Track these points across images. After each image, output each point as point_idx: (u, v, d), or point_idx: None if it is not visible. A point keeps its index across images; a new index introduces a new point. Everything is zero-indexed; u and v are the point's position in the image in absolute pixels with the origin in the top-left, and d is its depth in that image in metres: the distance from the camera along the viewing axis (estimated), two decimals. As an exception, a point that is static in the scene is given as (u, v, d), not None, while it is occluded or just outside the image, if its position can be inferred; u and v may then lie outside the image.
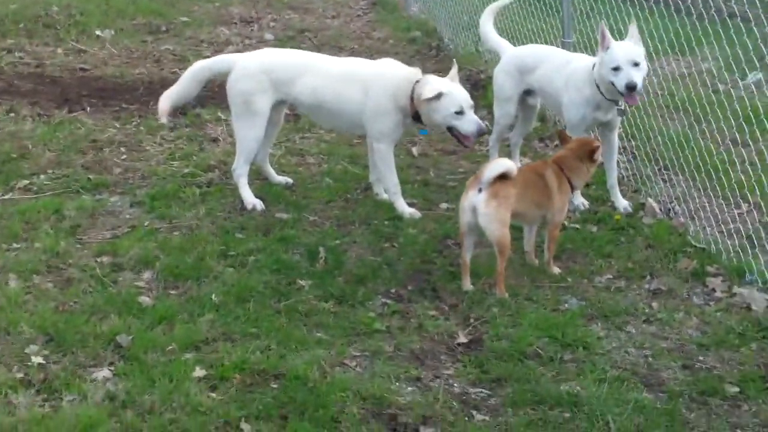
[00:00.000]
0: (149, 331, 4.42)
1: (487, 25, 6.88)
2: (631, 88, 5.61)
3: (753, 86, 6.76)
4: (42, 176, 6.36)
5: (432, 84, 5.72)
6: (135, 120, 7.63)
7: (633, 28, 5.79)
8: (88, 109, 7.83)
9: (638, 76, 5.64)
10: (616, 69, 5.64)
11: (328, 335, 4.50)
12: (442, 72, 9.24)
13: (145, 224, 5.66)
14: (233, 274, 5.03)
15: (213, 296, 4.78)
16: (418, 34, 10.73)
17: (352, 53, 10.16)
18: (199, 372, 4.11)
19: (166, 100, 6.18)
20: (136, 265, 5.14)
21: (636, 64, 5.65)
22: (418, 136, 7.46)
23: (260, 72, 5.95)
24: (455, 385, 4.19)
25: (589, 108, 5.92)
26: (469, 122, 5.69)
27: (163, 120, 6.45)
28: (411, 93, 5.78)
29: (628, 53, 5.65)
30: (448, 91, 5.67)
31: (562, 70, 6.12)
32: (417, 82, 5.80)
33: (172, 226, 5.67)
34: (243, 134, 6.03)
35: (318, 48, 10.31)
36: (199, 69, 6.17)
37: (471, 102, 5.75)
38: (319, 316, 4.66)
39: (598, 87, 5.83)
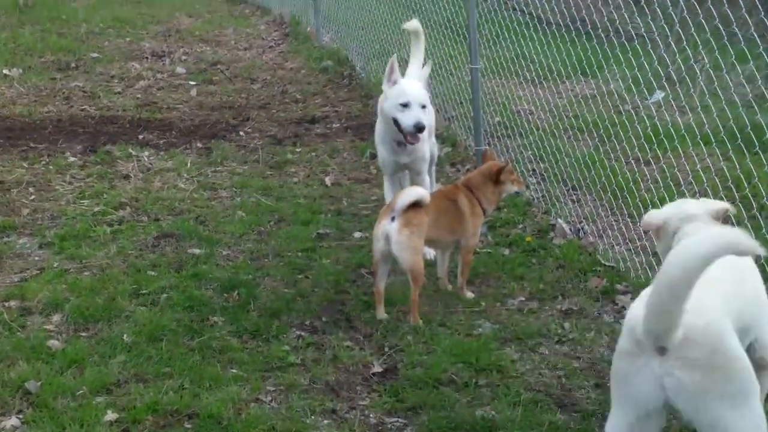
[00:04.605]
0: (59, 376, 4.33)
1: None
2: (420, 128, 5.42)
3: (652, 106, 6.92)
4: (-53, 220, 6.23)
5: None
6: (43, 159, 7.51)
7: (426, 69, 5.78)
8: (-5, 150, 7.69)
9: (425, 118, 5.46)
10: (405, 105, 5.47)
11: (242, 371, 4.46)
12: (354, 101, 9.43)
13: (55, 266, 5.57)
14: (145, 313, 4.96)
15: (124, 336, 4.71)
16: (330, 63, 10.80)
17: (265, 84, 10.19)
18: (110, 416, 4.03)
19: None
20: (45, 308, 5.03)
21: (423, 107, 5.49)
22: (330, 165, 7.47)
23: None
24: (371, 415, 4.18)
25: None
26: None
27: None
28: None
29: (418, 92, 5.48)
30: None
31: None
32: None
33: (83, 266, 5.58)
34: None
35: (230, 80, 10.32)
36: None
37: None
38: (233, 353, 4.62)
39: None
